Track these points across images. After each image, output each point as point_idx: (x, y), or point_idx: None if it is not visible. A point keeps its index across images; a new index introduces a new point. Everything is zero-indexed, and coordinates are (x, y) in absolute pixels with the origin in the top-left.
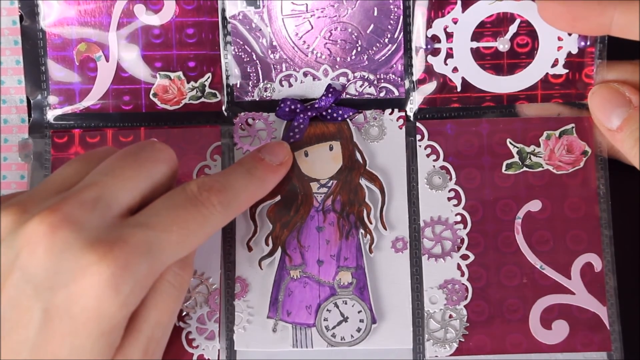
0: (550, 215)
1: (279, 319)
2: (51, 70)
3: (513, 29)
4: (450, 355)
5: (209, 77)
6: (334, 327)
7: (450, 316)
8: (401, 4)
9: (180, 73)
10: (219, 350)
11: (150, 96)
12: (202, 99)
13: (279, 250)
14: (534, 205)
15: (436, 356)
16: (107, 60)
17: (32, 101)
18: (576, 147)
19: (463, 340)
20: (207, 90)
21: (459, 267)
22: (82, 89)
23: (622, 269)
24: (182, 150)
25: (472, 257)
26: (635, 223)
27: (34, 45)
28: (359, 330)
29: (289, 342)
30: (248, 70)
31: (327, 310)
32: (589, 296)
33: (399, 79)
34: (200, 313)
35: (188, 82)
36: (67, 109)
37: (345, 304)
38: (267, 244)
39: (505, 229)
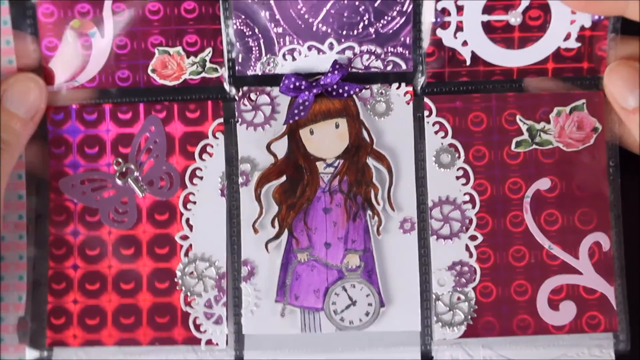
0: (559, 194)
1: (287, 303)
2: (44, 49)
3: (525, 2)
4: (459, 337)
5: (209, 52)
6: (342, 311)
7: (459, 298)
8: None
9: (179, 48)
10: (227, 334)
11: (149, 72)
12: (203, 74)
13: (286, 232)
14: (543, 184)
15: (444, 338)
16: (103, 37)
17: None
18: (587, 123)
19: (471, 322)
20: (208, 65)
21: (467, 248)
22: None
23: (631, 249)
24: (184, 126)
25: (480, 238)
26: None
27: (24, 23)
28: (367, 314)
29: (298, 327)
30: (250, 44)
31: (335, 294)
32: (597, 276)
33: (407, 52)
34: (207, 297)
35: (188, 57)
36: (62, 86)
37: (354, 287)
38: (273, 226)
39: (514, 208)
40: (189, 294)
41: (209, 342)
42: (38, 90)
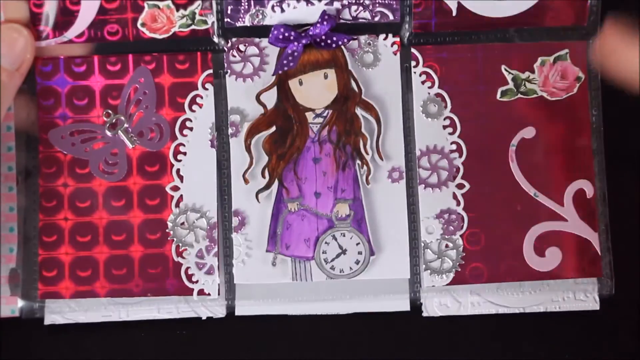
0: (544, 142)
1: (277, 253)
2: (32, 6)
3: None
4: (447, 284)
5: (199, 5)
6: (332, 260)
7: (447, 246)
8: None
9: (169, 2)
10: (218, 284)
11: (138, 26)
12: (192, 26)
13: (276, 182)
14: (528, 132)
15: (433, 285)
16: None
17: None
18: (570, 72)
19: (459, 269)
20: (197, 17)
21: (454, 196)
22: (65, 21)
23: (614, 195)
24: (173, 78)
25: (467, 186)
26: (629, 150)
27: None
28: (357, 262)
29: (289, 276)
30: None
31: (326, 242)
32: (581, 223)
33: (395, 3)
34: (199, 248)
35: (177, 10)
36: (50, 41)
37: (344, 236)
38: (263, 176)
39: (500, 156)
40: (180, 244)
41: (200, 292)
42: (23, 40)
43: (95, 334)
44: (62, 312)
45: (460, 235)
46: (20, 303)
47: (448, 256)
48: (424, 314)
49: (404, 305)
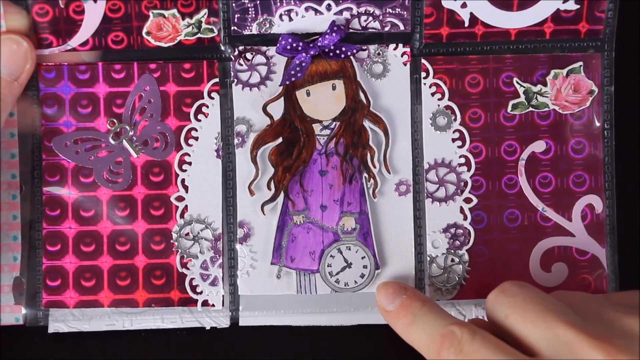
0: (553, 157)
1: (282, 265)
2: (35, 14)
3: None
4: (452, 299)
5: (205, 13)
6: (337, 273)
7: (452, 260)
8: None
9: (174, 10)
10: (223, 295)
11: (143, 34)
12: (199, 35)
13: (282, 194)
14: (538, 147)
15: (438, 300)
16: (95, 2)
17: None
18: (583, 86)
19: (464, 284)
20: (204, 26)
21: (461, 210)
22: (68, 30)
23: (623, 211)
24: (178, 86)
25: (475, 201)
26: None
27: None
28: (362, 276)
29: (293, 288)
30: (247, 5)
31: (331, 256)
32: (589, 238)
33: (406, 13)
34: (203, 259)
35: (183, 19)
36: (54, 50)
37: (349, 249)
38: (269, 188)
39: (509, 170)
40: (185, 255)
41: (205, 303)
42: (23, 51)
43: (98, 342)
44: (65, 320)
45: (467, 250)
46: (24, 311)
47: (454, 271)
48: None
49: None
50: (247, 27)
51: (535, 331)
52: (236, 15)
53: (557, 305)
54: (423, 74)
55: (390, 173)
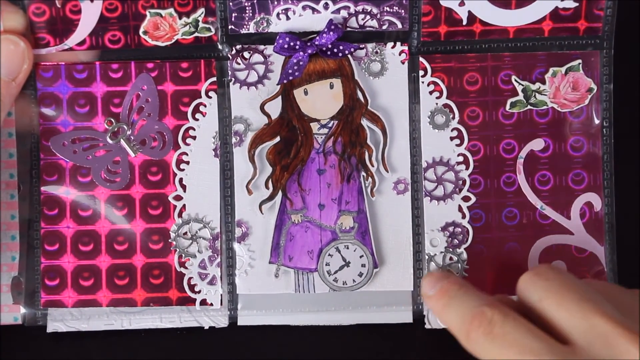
0: (552, 154)
1: (280, 264)
2: (31, 14)
3: None
4: None
5: (202, 13)
6: (335, 272)
7: (451, 259)
8: None
9: (171, 10)
10: (221, 295)
11: (140, 33)
12: (196, 34)
13: (280, 193)
14: (537, 145)
15: None
16: (92, 1)
17: None
18: (582, 84)
19: None
20: (201, 25)
21: (460, 209)
22: (65, 29)
23: (621, 209)
24: (176, 86)
25: (473, 199)
26: (637, 162)
27: None
28: (360, 274)
29: (292, 287)
30: (244, 3)
31: (329, 255)
32: (588, 236)
33: (403, 11)
34: (202, 258)
35: (180, 18)
36: (51, 49)
37: (347, 248)
38: (267, 187)
39: (507, 169)
40: (183, 254)
41: (203, 302)
42: (20, 51)
43: (97, 342)
44: (64, 320)
45: (465, 249)
46: (22, 311)
47: (452, 269)
48: (427, 326)
49: (407, 317)
50: (245, 26)
51: (570, 319)
52: (233, 14)
53: (594, 295)
54: (421, 72)
55: (388, 172)
